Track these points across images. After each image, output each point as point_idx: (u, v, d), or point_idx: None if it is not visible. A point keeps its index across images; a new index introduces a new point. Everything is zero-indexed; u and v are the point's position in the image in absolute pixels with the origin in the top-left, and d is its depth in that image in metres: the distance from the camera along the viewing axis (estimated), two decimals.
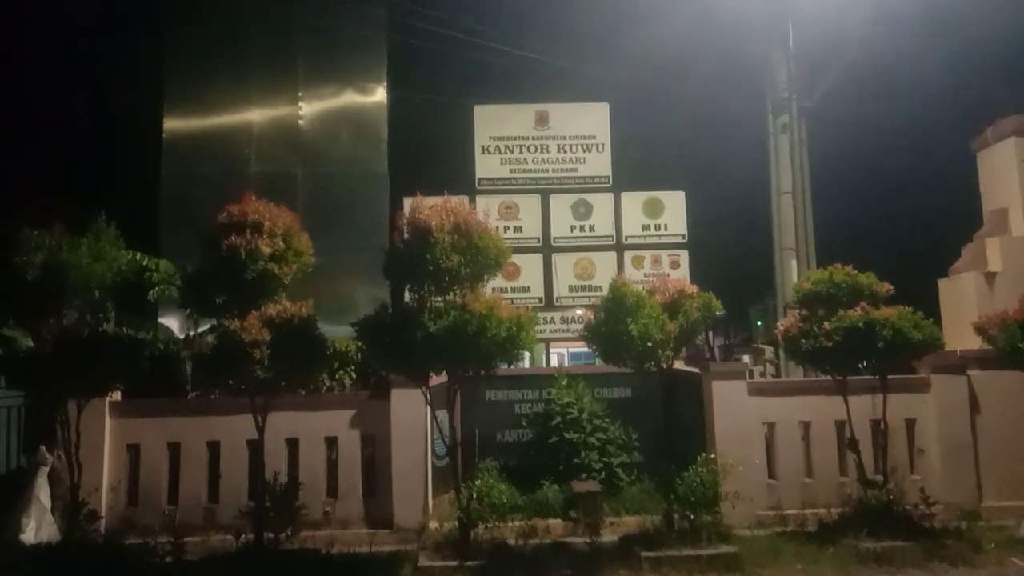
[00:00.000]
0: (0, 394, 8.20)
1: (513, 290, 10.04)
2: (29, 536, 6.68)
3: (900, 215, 18.42)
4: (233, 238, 6.11)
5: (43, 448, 7.01)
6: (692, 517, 6.41)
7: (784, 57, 11.18)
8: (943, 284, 9.61)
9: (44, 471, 6.96)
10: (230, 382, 6.08)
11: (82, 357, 6.14)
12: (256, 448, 6.65)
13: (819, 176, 11.37)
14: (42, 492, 6.91)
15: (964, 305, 8.90)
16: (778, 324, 7.71)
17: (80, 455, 6.42)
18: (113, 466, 7.33)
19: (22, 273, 6.04)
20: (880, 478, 6.87)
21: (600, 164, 10.51)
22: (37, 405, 7.98)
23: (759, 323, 17.88)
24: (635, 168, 11.00)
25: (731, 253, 15.99)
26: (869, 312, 6.69)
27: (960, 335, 8.26)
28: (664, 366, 6.67)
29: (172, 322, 10.08)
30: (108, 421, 7.35)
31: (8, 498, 7.09)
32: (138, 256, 7.25)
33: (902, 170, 18.03)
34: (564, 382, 8.44)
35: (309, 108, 11.40)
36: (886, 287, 7.00)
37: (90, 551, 6.22)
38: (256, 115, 11.29)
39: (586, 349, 13.61)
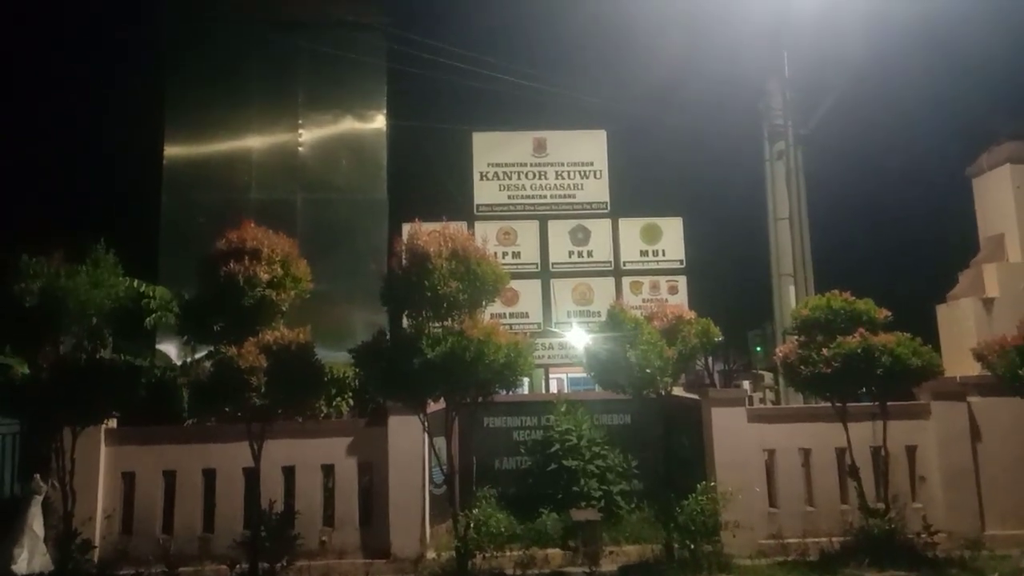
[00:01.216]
0: None
1: (512, 315, 10.05)
2: (21, 567, 6.58)
3: (898, 241, 18.52)
4: (231, 265, 6.13)
5: (37, 477, 6.94)
6: (692, 547, 6.35)
7: (780, 85, 11.29)
8: (941, 310, 9.61)
9: (38, 500, 6.88)
10: (227, 409, 6.05)
11: (78, 384, 6.12)
12: (252, 476, 6.60)
13: (816, 202, 11.43)
14: (35, 521, 6.83)
15: (962, 331, 8.89)
16: (776, 350, 7.70)
17: (75, 483, 6.38)
18: (108, 494, 7.25)
19: (20, 300, 6.07)
20: (881, 506, 6.82)
21: (598, 190, 10.58)
22: (32, 433, 7.92)
23: (758, 348, 17.85)
24: (633, 194, 11.10)
25: (729, 279, 16.03)
26: (867, 338, 6.69)
27: (959, 361, 8.24)
28: (663, 392, 6.65)
29: (170, 348, 10.06)
30: (103, 449, 7.29)
31: (1, 527, 7.02)
32: (136, 283, 7.25)
33: (899, 196, 18.19)
34: (563, 408, 8.39)
35: (309, 135, 11.49)
36: (884, 313, 7.01)
37: None
38: (256, 142, 11.37)
39: (585, 375, 13.58)
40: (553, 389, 11.65)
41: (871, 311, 6.98)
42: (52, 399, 6.10)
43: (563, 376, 13.72)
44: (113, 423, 7.38)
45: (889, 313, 7.01)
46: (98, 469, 7.21)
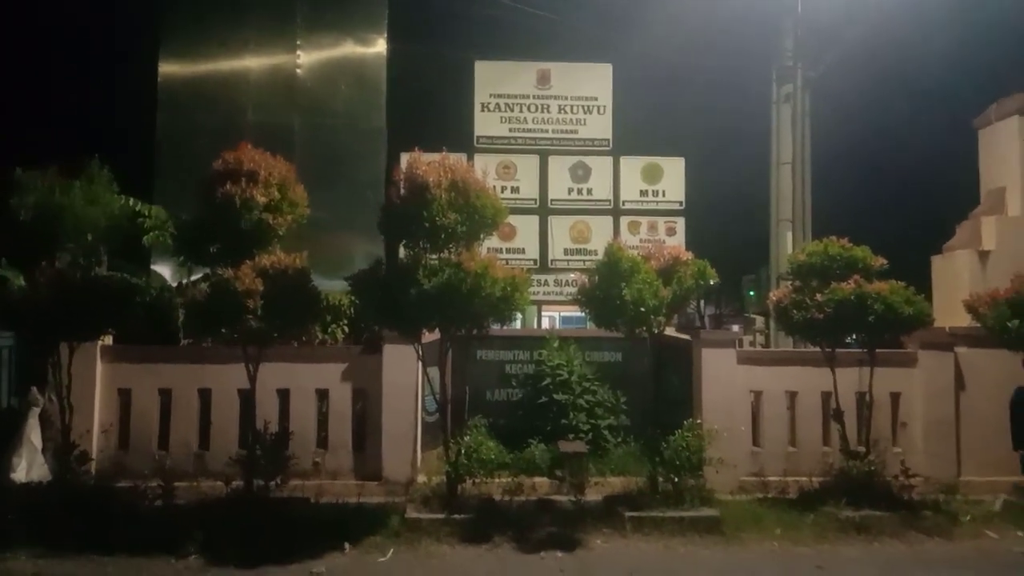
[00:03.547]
0: None
1: (508, 251, 10.01)
2: (20, 475, 6.74)
3: (898, 190, 18.43)
4: (228, 186, 6.07)
5: (34, 389, 7.04)
6: (676, 480, 6.52)
7: (792, 25, 11.02)
8: (936, 261, 9.64)
9: (35, 412, 7.00)
10: (223, 331, 6.07)
11: (75, 300, 6.12)
12: (247, 397, 6.70)
13: (820, 148, 11.32)
14: (33, 433, 6.96)
15: (956, 283, 8.94)
16: (770, 294, 7.75)
17: (71, 398, 6.45)
18: (104, 410, 7.37)
19: (16, 214, 6.01)
20: (863, 449, 6.99)
21: (601, 127, 10.40)
22: (28, 347, 7.97)
23: (751, 293, 17.95)
24: (636, 132, 10.90)
25: (727, 222, 15.97)
26: (862, 286, 6.72)
27: (950, 312, 8.32)
28: (656, 332, 6.71)
29: (164, 269, 10.04)
30: (99, 365, 7.36)
31: (0, 438, 7.15)
32: (131, 201, 7.18)
33: (903, 145, 17.97)
34: (555, 344, 8.49)
35: (307, 57, 11.18)
36: (880, 261, 7.03)
37: (81, 492, 6.28)
38: (253, 63, 11.07)
39: (577, 314, 13.64)
40: (545, 327, 11.72)
41: (867, 258, 7.00)
42: (49, 314, 6.11)
43: (555, 314, 13.78)
44: (109, 340, 7.43)
45: (885, 261, 7.03)
46: (94, 385, 7.30)
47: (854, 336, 7.16)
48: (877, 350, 7.12)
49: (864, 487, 6.72)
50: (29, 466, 6.83)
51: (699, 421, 6.90)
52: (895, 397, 7.89)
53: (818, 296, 6.81)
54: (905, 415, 7.89)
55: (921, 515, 6.56)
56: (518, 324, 11.83)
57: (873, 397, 7.14)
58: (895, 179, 18.66)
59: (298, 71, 11.15)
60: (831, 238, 7.18)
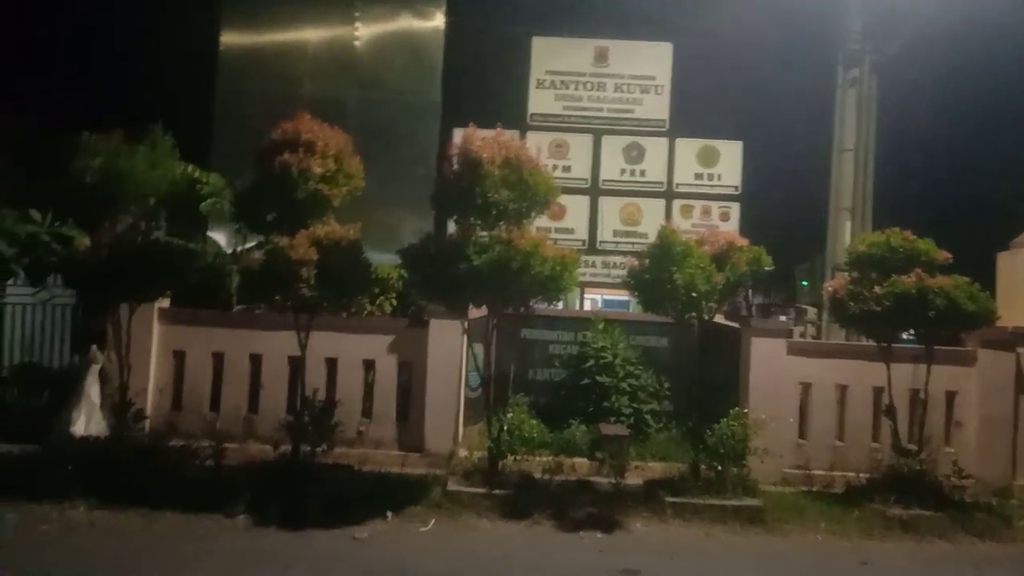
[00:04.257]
0: (55, 293, 8.48)
1: (557, 231, 9.94)
2: (79, 429, 7.00)
3: (965, 183, 17.69)
4: (286, 156, 6.14)
5: (94, 347, 7.29)
6: (719, 468, 6.45)
7: (860, 6, 10.60)
8: (1002, 257, 9.27)
9: (95, 369, 7.25)
10: (276, 298, 6.19)
11: (136, 262, 6.30)
12: (296, 364, 6.83)
13: (884, 136, 10.92)
14: (92, 389, 7.21)
15: (1021, 280, 8.59)
16: (826, 284, 7.56)
17: (129, 357, 6.67)
18: (159, 370, 7.61)
19: (81, 176, 6.18)
20: (914, 447, 6.80)
21: (657, 107, 10.19)
22: (88, 306, 8.25)
23: (804, 283, 17.53)
24: (693, 114, 10.64)
25: (782, 209, 15.57)
26: (924, 279, 6.49)
27: (1014, 310, 8.00)
28: (706, 318, 6.61)
29: (219, 236, 10.24)
30: (156, 326, 7.59)
31: (61, 393, 7.44)
32: (191, 168, 7.30)
33: (972, 136, 17.22)
34: (600, 326, 8.44)
35: (365, 30, 11.18)
36: (944, 255, 6.78)
37: (135, 448, 6.50)
38: (312, 34, 11.13)
39: (620, 297, 13.52)
40: (588, 308, 11.65)
41: (931, 251, 6.75)
42: (110, 275, 6.30)
43: (597, 297, 13.68)
44: (166, 303, 7.64)
45: (949, 256, 6.78)
46: (151, 345, 7.53)
47: (911, 331, 6.93)
48: (935, 347, 6.90)
49: (914, 485, 6.55)
50: (88, 421, 7.08)
51: (745, 410, 6.79)
52: (950, 395, 7.65)
53: (877, 288, 6.61)
54: (960, 414, 7.65)
55: (973, 517, 6.37)
56: (560, 305, 11.82)
57: (928, 394, 6.92)
58: (962, 170, 17.92)
59: (355, 43, 11.16)
60: (893, 229, 6.94)
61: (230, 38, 10.95)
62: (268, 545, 5.36)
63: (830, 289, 7.22)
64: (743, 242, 6.65)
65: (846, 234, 10.41)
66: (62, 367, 8.42)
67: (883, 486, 6.66)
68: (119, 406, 6.64)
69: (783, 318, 17.47)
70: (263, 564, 5.04)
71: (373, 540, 5.54)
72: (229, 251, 9.50)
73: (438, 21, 11.21)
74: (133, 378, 6.75)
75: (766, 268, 6.60)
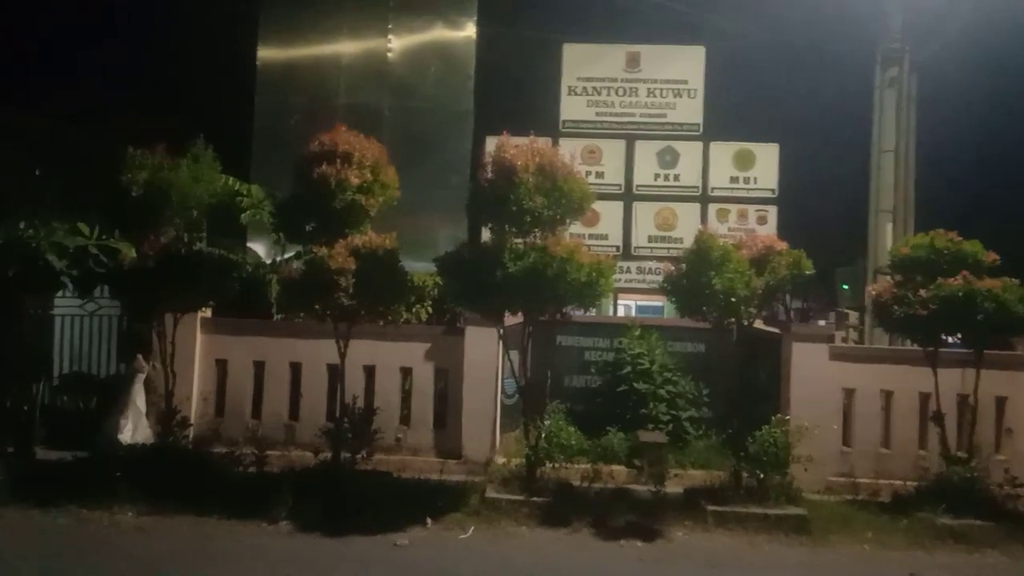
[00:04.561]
0: (102, 304, 8.71)
1: (591, 237, 9.88)
2: (126, 436, 7.17)
3: (1010, 182, 17.23)
4: (324, 167, 6.23)
5: (140, 357, 7.47)
6: (762, 476, 6.34)
7: (899, 4, 10.41)
8: None
9: (141, 378, 7.43)
10: (316, 307, 6.28)
11: (179, 273, 6.45)
12: (335, 372, 6.91)
13: (924, 136, 10.69)
14: (139, 397, 7.39)
15: None
16: (869, 288, 7.41)
17: (174, 366, 6.81)
18: (203, 378, 7.75)
19: (128, 190, 6.35)
20: (964, 455, 6.61)
21: (691, 111, 10.12)
22: (133, 316, 8.46)
23: (844, 287, 17.20)
24: (727, 117, 10.55)
25: (821, 211, 15.32)
26: (971, 282, 6.32)
27: None
28: (746, 323, 6.52)
29: (259, 247, 10.41)
30: (199, 336, 7.74)
31: (108, 401, 7.64)
32: (232, 180, 7.47)
33: (1017, 134, 16.75)
34: (636, 333, 8.37)
35: (398, 41, 11.30)
36: (992, 257, 6.60)
37: (180, 455, 6.65)
38: (346, 47, 11.27)
39: (654, 303, 13.37)
40: (621, 314, 11.59)
41: (978, 253, 6.58)
42: (155, 285, 6.46)
43: (631, 303, 13.60)
44: (208, 312, 7.80)
45: (997, 257, 6.59)
46: (194, 354, 7.68)
47: (958, 336, 6.75)
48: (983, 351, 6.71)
49: (964, 494, 6.35)
50: (134, 428, 7.25)
51: (787, 417, 6.68)
52: (1000, 401, 7.43)
53: (922, 292, 6.45)
54: (1010, 421, 7.42)
55: None
56: (593, 311, 11.75)
57: (977, 400, 6.74)
58: (1006, 170, 17.46)
59: (389, 54, 11.29)
60: (938, 231, 6.78)
61: (267, 53, 11.16)
62: (310, 550, 5.42)
63: (873, 293, 7.08)
64: (782, 246, 6.54)
65: (887, 237, 10.21)
66: (109, 376, 8.63)
67: (932, 495, 6.47)
68: (164, 413, 6.79)
69: (821, 323, 17.18)
70: (306, 569, 5.09)
71: (413, 546, 5.56)
72: (268, 261, 9.68)
73: (469, 31, 11.28)
74: (177, 386, 6.89)
75: (807, 272, 6.49)
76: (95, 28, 14.92)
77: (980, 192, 17.25)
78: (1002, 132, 17.03)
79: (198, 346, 7.73)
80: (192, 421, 7.34)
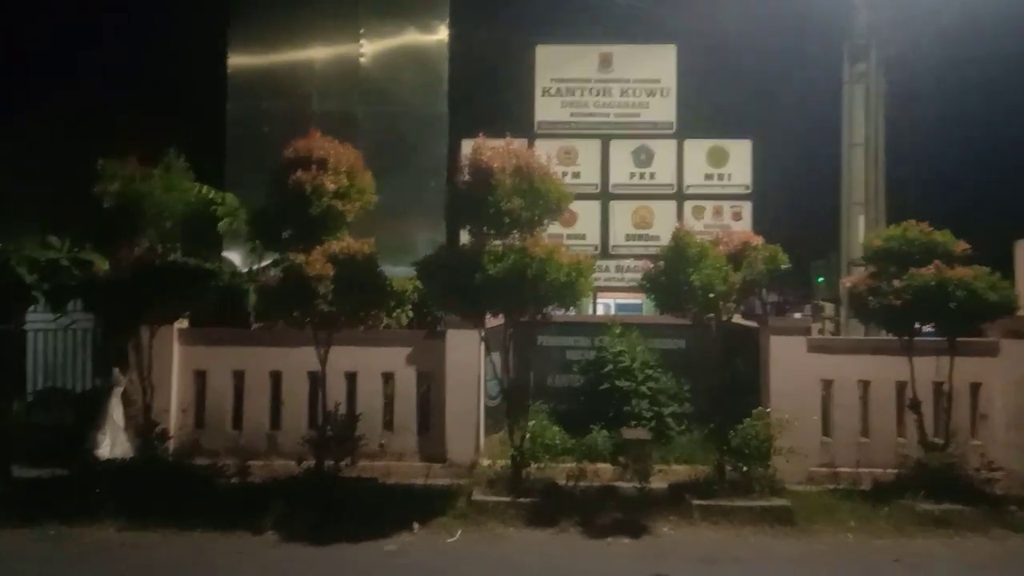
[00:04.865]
0: (75, 318, 8.56)
1: (569, 237, 9.91)
2: (104, 451, 7.06)
3: (977, 173, 17.57)
4: (299, 173, 6.20)
5: (116, 370, 7.36)
6: (745, 469, 6.40)
7: (865, 1, 10.58)
8: (1019, 246, 9.14)
9: (118, 391, 7.33)
10: (295, 315, 6.23)
11: (154, 285, 6.36)
12: (316, 379, 6.87)
13: (893, 129, 10.85)
14: (116, 411, 7.29)
15: None
16: (844, 280, 7.53)
17: (151, 378, 6.72)
18: (181, 390, 7.66)
19: (99, 201, 6.25)
20: (941, 441, 6.73)
21: (664, 109, 10.18)
22: (108, 329, 8.33)
23: (820, 279, 17.41)
24: (700, 114, 10.61)
25: (794, 206, 15.49)
26: (943, 271, 6.45)
27: None
28: (725, 318, 6.58)
29: (235, 255, 10.29)
30: (176, 347, 7.65)
31: (85, 416, 7.51)
32: (205, 189, 7.38)
33: (985, 125, 17.10)
34: (617, 331, 8.41)
35: (371, 46, 11.24)
36: (963, 246, 6.74)
37: (161, 468, 6.55)
38: (318, 52, 11.20)
39: (633, 301, 13.41)
40: (600, 313, 11.62)
41: (948, 243, 6.71)
42: (130, 297, 6.37)
43: (610, 301, 13.63)
44: (185, 323, 7.70)
45: (968, 246, 6.73)
46: (172, 366, 7.59)
47: (934, 324, 6.87)
48: (957, 339, 6.84)
49: (943, 480, 6.48)
50: (112, 443, 7.14)
51: (768, 409, 6.76)
52: (974, 388, 7.57)
53: (896, 282, 6.57)
54: (984, 407, 7.57)
55: (1006, 510, 6.29)
56: (572, 311, 11.76)
57: (953, 387, 6.86)
58: (973, 162, 17.81)
59: (361, 59, 11.23)
60: (910, 222, 6.91)
61: (238, 60, 11.05)
62: (297, 560, 5.37)
63: (849, 285, 7.19)
64: (758, 241, 6.62)
65: (860, 229, 10.36)
66: (85, 390, 8.49)
67: (912, 482, 6.58)
68: (143, 427, 6.70)
69: (797, 315, 17.38)
70: None
71: (402, 552, 5.54)
72: (245, 270, 9.57)
73: (442, 34, 11.26)
74: (156, 399, 6.81)
75: (783, 267, 6.57)
76: (61, 36, 14.66)
77: (949, 182, 17.57)
78: (970, 122, 17.39)
79: (175, 358, 7.63)
80: (172, 434, 7.23)
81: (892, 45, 10.62)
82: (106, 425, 7.17)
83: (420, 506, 6.20)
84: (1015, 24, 12.54)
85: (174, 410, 7.54)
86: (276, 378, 7.67)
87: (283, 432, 7.52)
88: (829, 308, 13.43)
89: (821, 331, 12.50)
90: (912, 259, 6.70)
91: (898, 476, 6.79)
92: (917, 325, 6.90)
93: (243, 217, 7.12)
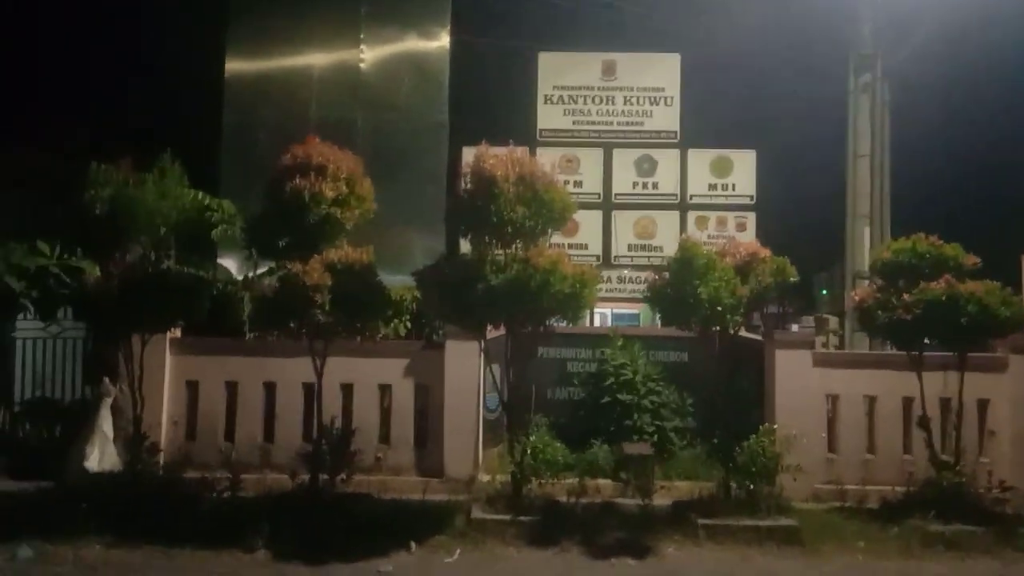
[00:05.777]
0: (65, 326, 8.39)
1: (570, 247, 9.75)
2: (92, 464, 6.88)
3: (985, 186, 17.48)
4: (297, 180, 6.05)
5: (107, 380, 7.18)
6: (752, 487, 6.24)
7: (870, 10, 10.50)
8: None
9: (107, 402, 7.14)
10: (291, 325, 6.07)
11: (146, 293, 6.21)
12: (311, 391, 6.70)
13: (899, 141, 10.77)
14: (105, 423, 7.10)
15: None
16: (852, 294, 7.39)
17: (142, 389, 6.54)
18: (173, 401, 7.48)
19: (91, 207, 6.10)
20: (950, 459, 6.58)
21: (668, 118, 10.07)
22: (99, 338, 8.15)
23: (824, 292, 17.28)
24: (704, 124, 10.52)
25: (798, 217, 15.40)
26: (953, 285, 6.32)
27: None
28: (732, 332, 6.44)
29: (230, 263, 10.13)
30: (168, 357, 7.47)
31: (73, 427, 7.33)
32: (201, 195, 7.24)
33: (991, 136, 17.02)
34: (619, 343, 8.26)
35: (371, 52, 11.11)
36: (973, 260, 6.62)
37: (150, 482, 6.38)
38: (317, 58, 11.06)
39: (630, 311, 13.26)
40: (597, 324, 11.46)
41: (959, 256, 6.58)
42: (121, 306, 6.20)
43: (607, 311, 13.51)
44: (178, 332, 7.53)
45: (979, 260, 6.61)
46: (163, 376, 7.41)
47: (943, 339, 6.72)
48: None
49: (952, 499, 6.32)
50: (101, 455, 6.96)
51: (773, 425, 6.61)
52: (983, 404, 7.43)
53: (905, 296, 6.43)
54: (993, 423, 7.42)
55: (1017, 532, 6.12)
56: (566, 322, 11.58)
57: (962, 403, 6.72)
58: (981, 174, 17.72)
59: (361, 66, 11.09)
60: (919, 235, 6.78)
61: (236, 65, 10.90)
62: None
63: (856, 298, 7.05)
64: (766, 253, 6.48)
65: (865, 241, 10.25)
66: (74, 401, 8.30)
67: (920, 500, 6.44)
68: (133, 439, 6.53)
69: (794, 327, 17.23)
70: None
71: (398, 573, 5.36)
72: (240, 278, 9.41)
73: (443, 41, 11.13)
74: (146, 410, 6.63)
75: (791, 280, 6.44)
76: (56, 42, 14.55)
77: (954, 194, 17.48)
78: (975, 133, 17.30)
79: (167, 368, 7.45)
80: (162, 446, 7.04)
81: (898, 56, 10.53)
82: (95, 437, 6.99)
83: (417, 524, 6.01)
84: (1021, 35, 12.47)
85: (165, 422, 7.36)
86: (270, 389, 7.50)
87: (277, 445, 7.33)
88: (833, 321, 13.28)
89: (825, 344, 12.37)
90: (922, 273, 6.57)
91: (906, 494, 6.64)
92: (926, 340, 6.77)
93: (239, 224, 6.98)
